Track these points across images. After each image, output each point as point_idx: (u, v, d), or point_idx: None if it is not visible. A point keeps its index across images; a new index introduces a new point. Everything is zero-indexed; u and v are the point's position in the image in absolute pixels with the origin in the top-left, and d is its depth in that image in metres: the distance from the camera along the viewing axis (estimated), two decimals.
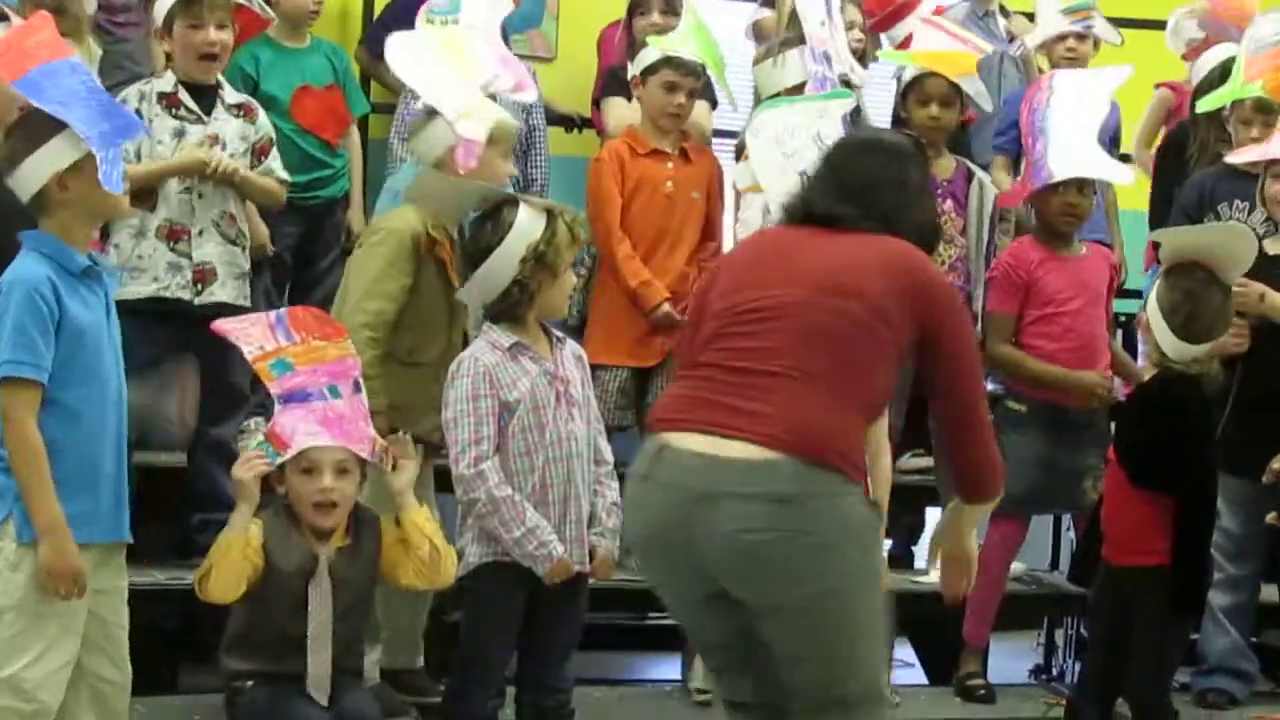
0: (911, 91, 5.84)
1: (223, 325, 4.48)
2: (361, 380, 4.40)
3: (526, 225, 4.41)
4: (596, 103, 6.60)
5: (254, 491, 4.24)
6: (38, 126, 3.80)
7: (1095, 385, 5.45)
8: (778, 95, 5.54)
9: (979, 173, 5.99)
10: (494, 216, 4.46)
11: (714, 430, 3.51)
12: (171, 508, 5.29)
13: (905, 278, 3.63)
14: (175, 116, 5.16)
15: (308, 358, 4.33)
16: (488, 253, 4.41)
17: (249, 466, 4.26)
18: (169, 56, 5.34)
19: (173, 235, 5.13)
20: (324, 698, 4.25)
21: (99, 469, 3.83)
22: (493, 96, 5.05)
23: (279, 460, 4.24)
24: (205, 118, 5.20)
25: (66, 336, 3.76)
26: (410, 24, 5.33)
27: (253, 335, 4.41)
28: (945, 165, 5.91)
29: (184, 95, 5.18)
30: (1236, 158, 5.59)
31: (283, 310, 4.61)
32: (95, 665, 3.90)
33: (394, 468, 4.39)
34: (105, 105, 3.85)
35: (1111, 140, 6.35)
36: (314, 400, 4.26)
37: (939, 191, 5.86)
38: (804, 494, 3.45)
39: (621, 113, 6.20)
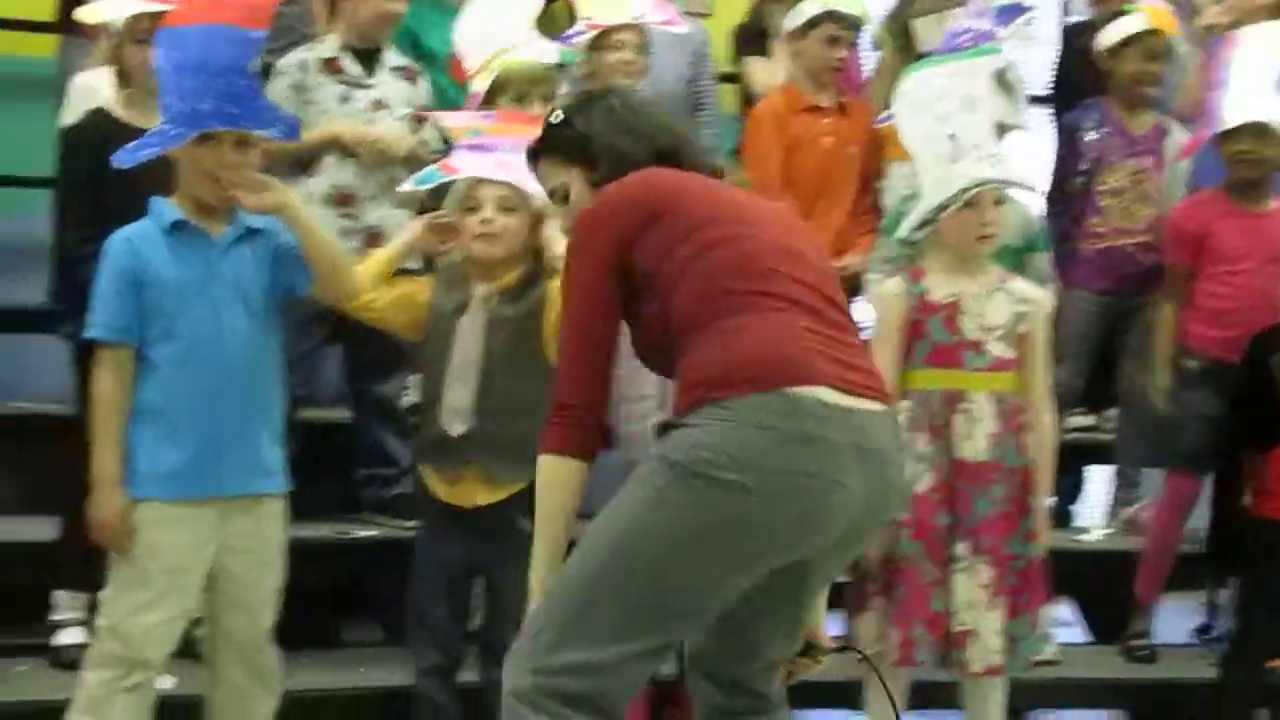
0: (1133, 44, 5.74)
1: (436, 114, 4.87)
2: None
3: None
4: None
5: (417, 229, 4.29)
6: None
7: None
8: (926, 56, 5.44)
9: (1173, 127, 5.86)
10: None
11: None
12: (336, 464, 5.31)
13: None
14: (339, 82, 5.14)
15: (499, 130, 4.30)
16: None
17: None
18: (331, 15, 5.34)
19: (342, 200, 5.09)
20: (460, 427, 4.20)
21: (184, 425, 3.78)
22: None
23: (443, 180, 4.20)
24: (368, 80, 5.18)
25: (149, 292, 3.77)
26: None
27: (459, 118, 4.57)
28: (1144, 120, 5.84)
29: (345, 60, 5.15)
30: None
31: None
32: (231, 623, 3.91)
33: None
34: (234, 88, 3.70)
35: None
36: (492, 151, 4.20)
37: (1136, 148, 5.79)
38: None
39: (762, 74, 6.14)
